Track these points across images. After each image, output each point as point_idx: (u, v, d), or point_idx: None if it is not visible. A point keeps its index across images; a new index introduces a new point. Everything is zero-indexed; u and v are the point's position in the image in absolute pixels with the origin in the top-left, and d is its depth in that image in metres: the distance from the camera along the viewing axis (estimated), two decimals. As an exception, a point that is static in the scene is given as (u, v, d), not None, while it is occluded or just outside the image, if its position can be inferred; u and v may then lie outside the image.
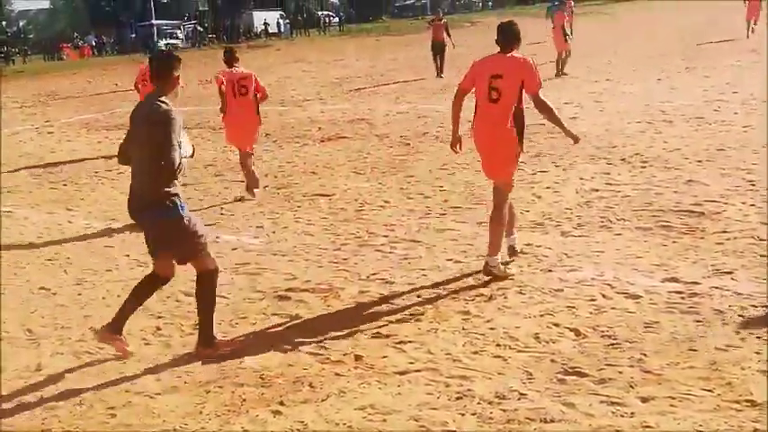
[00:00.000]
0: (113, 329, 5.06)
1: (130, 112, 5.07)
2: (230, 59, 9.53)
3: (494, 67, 6.02)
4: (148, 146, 4.76)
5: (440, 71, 22.22)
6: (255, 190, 9.48)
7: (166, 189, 4.77)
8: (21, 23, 76.48)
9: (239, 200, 9.40)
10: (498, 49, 6.09)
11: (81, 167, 12.51)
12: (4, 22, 70.87)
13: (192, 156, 5.11)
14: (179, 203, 4.83)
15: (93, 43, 64.98)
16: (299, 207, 8.88)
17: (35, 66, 51.73)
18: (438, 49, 22.64)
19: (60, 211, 9.53)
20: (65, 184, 11.21)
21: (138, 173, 4.94)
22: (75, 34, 70.82)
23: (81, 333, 5.59)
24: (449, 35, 23.04)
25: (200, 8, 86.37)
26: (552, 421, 3.89)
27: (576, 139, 6.33)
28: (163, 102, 4.83)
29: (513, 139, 5.99)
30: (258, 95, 9.50)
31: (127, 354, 5.08)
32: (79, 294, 6.47)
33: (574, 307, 5.33)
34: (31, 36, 73.51)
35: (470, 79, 6.18)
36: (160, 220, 4.84)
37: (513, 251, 6.46)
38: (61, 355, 5.24)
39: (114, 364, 5.02)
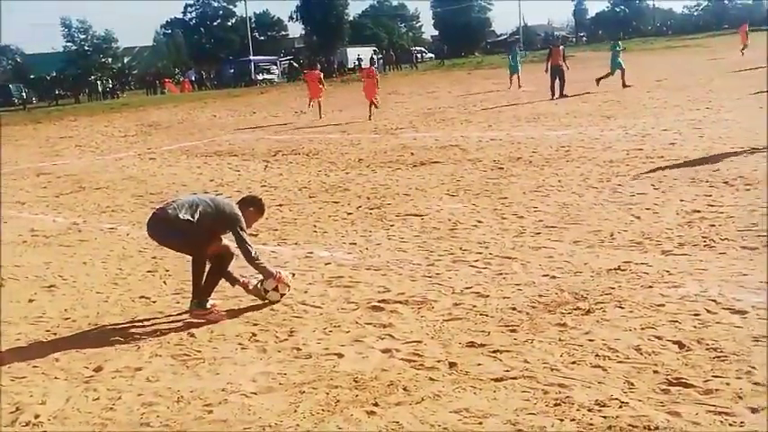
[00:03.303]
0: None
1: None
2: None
3: None
4: None
5: (560, 92, 24.47)
6: None
7: None
8: (125, 59, 79.67)
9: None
10: None
11: (180, 189, 12.85)
12: (110, 59, 73.98)
13: None
14: None
15: (193, 78, 67.19)
16: (391, 225, 8.88)
17: (138, 99, 53.78)
18: (556, 73, 24.87)
19: (160, 228, 9.77)
20: (165, 204, 11.51)
21: None
22: (176, 70, 73.38)
23: (179, 338, 5.69)
24: (565, 60, 25.41)
25: (297, 45, 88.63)
26: (656, 429, 3.73)
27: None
28: None
29: None
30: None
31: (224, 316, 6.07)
32: (177, 303, 6.60)
33: (677, 321, 5.14)
34: (135, 72, 76.48)
35: None
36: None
37: None
38: (159, 357, 5.34)
39: (211, 366, 5.09)
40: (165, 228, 6.08)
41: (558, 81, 24.71)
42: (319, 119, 24.61)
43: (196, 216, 5.97)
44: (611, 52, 27.16)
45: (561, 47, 26.34)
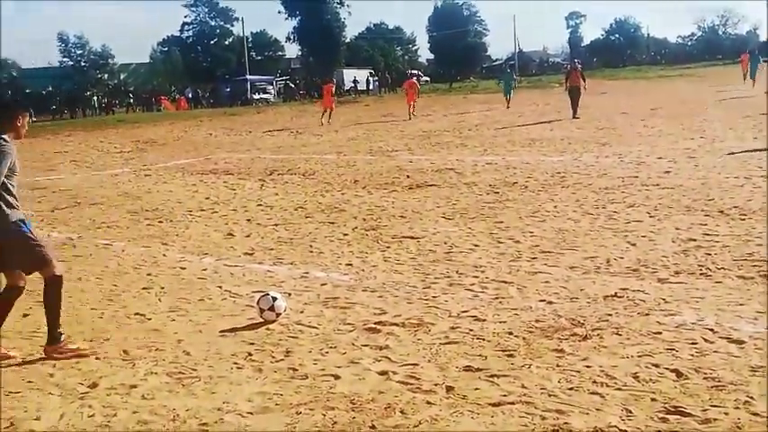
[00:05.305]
0: None
1: None
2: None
3: None
4: None
5: (574, 112, 25.69)
6: None
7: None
8: (122, 76, 79.76)
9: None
10: None
11: (176, 206, 12.85)
12: (106, 75, 74.10)
13: None
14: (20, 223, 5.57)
15: (190, 96, 67.31)
16: (387, 247, 8.89)
17: (134, 116, 53.83)
18: (574, 93, 26.24)
19: (156, 246, 9.76)
20: (160, 221, 11.51)
21: None
22: (173, 87, 73.51)
23: (174, 355, 5.66)
24: (584, 80, 26.92)
25: (293, 66, 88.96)
26: (655, 457, 3.73)
27: None
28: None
29: None
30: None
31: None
32: (172, 320, 6.57)
33: (674, 349, 5.14)
34: (131, 88, 76.59)
35: None
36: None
37: None
38: (155, 375, 5.30)
39: (206, 385, 5.05)
40: None
41: (574, 101, 26.08)
42: (328, 123, 31.19)
43: None
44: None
45: (579, 68, 27.78)
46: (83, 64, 72.81)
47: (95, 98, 62.04)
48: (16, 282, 5.72)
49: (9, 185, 5.55)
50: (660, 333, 5.48)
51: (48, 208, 13.54)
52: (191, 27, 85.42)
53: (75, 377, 5.32)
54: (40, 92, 65.65)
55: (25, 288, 5.80)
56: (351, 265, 8.21)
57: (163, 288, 7.67)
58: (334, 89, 34.19)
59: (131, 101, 65.40)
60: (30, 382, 5.29)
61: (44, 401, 4.93)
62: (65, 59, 73.54)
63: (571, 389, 4.61)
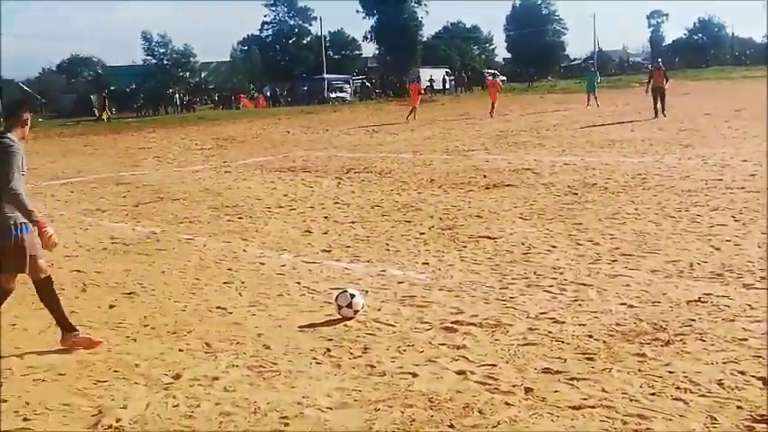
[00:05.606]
0: None
1: None
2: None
3: None
4: None
5: (662, 111, 25.73)
6: None
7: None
8: (203, 74, 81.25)
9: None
10: None
11: (255, 203, 13.07)
12: (188, 73, 75.63)
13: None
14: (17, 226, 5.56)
15: (268, 94, 68.22)
16: (464, 247, 8.87)
17: (214, 113, 54.88)
18: (658, 93, 26.18)
19: (236, 241, 9.94)
20: (240, 217, 11.72)
21: None
22: (251, 86, 74.62)
23: (254, 349, 5.77)
24: (667, 80, 26.93)
25: (370, 65, 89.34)
26: (741, 467, 3.64)
27: None
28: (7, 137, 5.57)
29: None
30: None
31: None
32: (252, 315, 6.69)
33: (760, 357, 5.00)
34: (212, 86, 78.00)
35: None
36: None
37: None
38: (236, 368, 5.42)
39: (287, 379, 5.14)
40: None
41: (659, 101, 25.96)
42: (413, 120, 32.89)
43: None
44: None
45: (662, 68, 27.84)
46: (165, 62, 74.35)
47: (177, 96, 63.38)
48: (8, 283, 5.80)
49: None
50: (746, 340, 5.34)
51: (132, 203, 13.93)
52: (270, 26, 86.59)
53: (160, 368, 5.47)
54: (124, 89, 67.45)
55: (12, 291, 5.89)
56: (427, 263, 8.22)
57: (243, 283, 7.82)
58: (421, 88, 36.28)
59: (216, 98, 66.72)
60: (116, 371, 5.46)
61: (130, 391, 5.08)
62: (148, 58, 75.25)
63: (653, 394, 4.54)
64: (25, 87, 79.65)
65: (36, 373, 5.50)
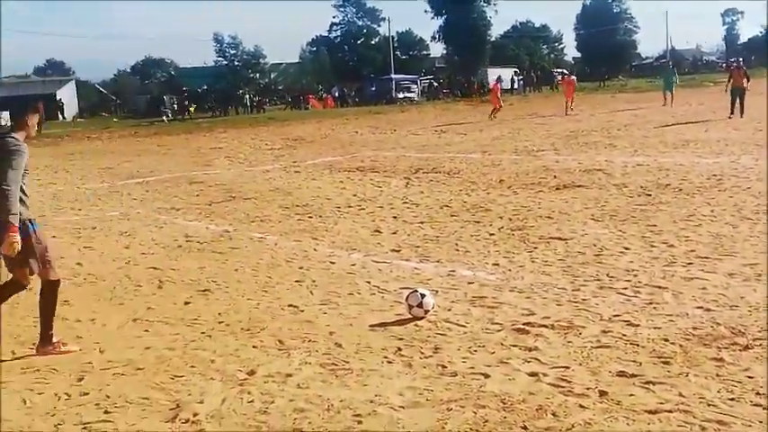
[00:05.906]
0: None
1: None
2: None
3: None
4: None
5: (741, 112, 25.13)
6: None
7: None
8: (272, 75, 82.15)
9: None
10: None
11: (325, 203, 13.19)
12: (258, 74, 76.56)
13: None
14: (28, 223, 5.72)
15: (336, 95, 68.65)
16: (535, 248, 8.80)
17: (284, 114, 55.50)
18: (737, 93, 25.70)
19: (306, 240, 10.06)
20: (310, 217, 11.84)
21: None
22: (320, 86, 75.20)
23: (327, 347, 5.83)
24: (748, 80, 26.44)
25: (438, 65, 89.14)
26: (826, 476, 3.54)
27: None
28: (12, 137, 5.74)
29: None
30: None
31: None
32: (324, 313, 6.76)
33: None
34: (281, 87, 78.83)
35: None
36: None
37: None
38: (309, 365, 5.48)
39: (359, 377, 5.18)
40: None
41: (738, 102, 25.49)
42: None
43: None
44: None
45: (743, 68, 27.43)
46: (236, 63, 75.36)
47: (247, 96, 64.24)
48: (22, 279, 5.93)
49: (21, 185, 5.73)
50: (831, 347, 5.18)
51: (205, 201, 14.21)
52: (339, 27, 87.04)
53: (235, 364, 5.57)
54: (196, 90, 68.65)
55: (27, 288, 6.01)
56: (497, 264, 8.18)
57: (314, 281, 7.90)
58: (500, 90, 37.63)
59: (286, 99, 67.45)
60: (193, 366, 5.59)
61: (206, 386, 5.19)
62: (219, 59, 76.39)
63: (732, 399, 4.44)
64: (101, 89, 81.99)
65: (115, 367, 5.67)
